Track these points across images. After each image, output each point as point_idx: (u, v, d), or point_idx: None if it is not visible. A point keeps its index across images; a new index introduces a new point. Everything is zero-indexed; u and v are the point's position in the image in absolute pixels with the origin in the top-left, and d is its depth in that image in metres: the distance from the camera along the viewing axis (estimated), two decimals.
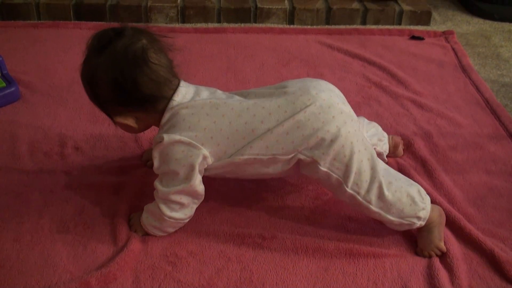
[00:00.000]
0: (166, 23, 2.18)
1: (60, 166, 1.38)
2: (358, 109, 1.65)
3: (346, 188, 1.11)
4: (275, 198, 1.28)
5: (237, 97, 1.15)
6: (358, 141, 1.11)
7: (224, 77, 1.79)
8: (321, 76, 1.83)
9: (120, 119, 1.12)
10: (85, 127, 1.53)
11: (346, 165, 1.10)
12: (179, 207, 1.13)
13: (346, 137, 1.09)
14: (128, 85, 1.06)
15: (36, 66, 1.82)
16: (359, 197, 1.12)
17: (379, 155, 1.33)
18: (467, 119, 1.63)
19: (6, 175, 1.34)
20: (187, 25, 2.17)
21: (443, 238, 1.15)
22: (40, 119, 1.55)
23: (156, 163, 1.11)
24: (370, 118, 1.59)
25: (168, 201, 1.12)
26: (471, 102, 1.72)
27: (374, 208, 1.13)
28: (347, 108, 1.15)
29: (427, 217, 1.14)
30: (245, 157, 1.11)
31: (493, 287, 1.10)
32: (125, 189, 1.31)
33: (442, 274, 1.10)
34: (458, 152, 1.47)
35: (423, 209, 1.13)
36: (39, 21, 2.15)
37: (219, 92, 1.18)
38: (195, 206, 1.16)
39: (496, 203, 1.31)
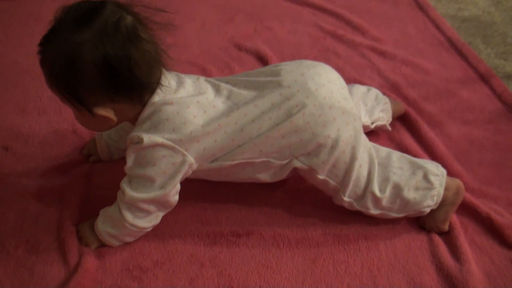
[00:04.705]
0: None
1: None
2: None
3: (343, 197, 1.01)
4: (244, 186, 1.12)
5: (225, 91, 0.99)
6: (359, 144, 1.00)
7: (163, 44, 1.58)
8: (270, 30, 1.66)
9: (101, 111, 0.91)
10: (12, 121, 1.31)
11: (345, 172, 1.00)
12: (144, 215, 0.98)
13: (347, 142, 0.98)
14: (120, 64, 0.87)
15: None
16: (355, 205, 1.03)
17: (383, 126, 1.23)
18: (433, 63, 1.51)
19: None
20: None
21: (449, 219, 1.04)
22: None
23: (129, 162, 0.95)
24: None
25: (133, 208, 0.96)
26: (434, 43, 1.60)
27: (374, 212, 1.03)
28: (349, 104, 1.00)
29: (440, 200, 1.02)
30: (236, 162, 0.98)
31: (495, 256, 1.00)
32: (69, 192, 1.12)
33: (442, 249, 1.00)
34: (431, 102, 1.36)
35: (432, 196, 1.02)
36: None
37: (202, 81, 1.01)
38: (161, 215, 1.01)
39: (481, 157, 1.21)
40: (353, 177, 0.99)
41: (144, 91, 0.93)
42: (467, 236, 1.04)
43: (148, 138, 0.91)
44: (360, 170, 1.00)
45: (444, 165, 1.15)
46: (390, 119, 1.26)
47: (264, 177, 1.02)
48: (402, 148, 1.22)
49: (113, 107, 0.92)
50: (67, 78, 0.89)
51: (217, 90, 0.99)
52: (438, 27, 1.66)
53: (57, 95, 0.93)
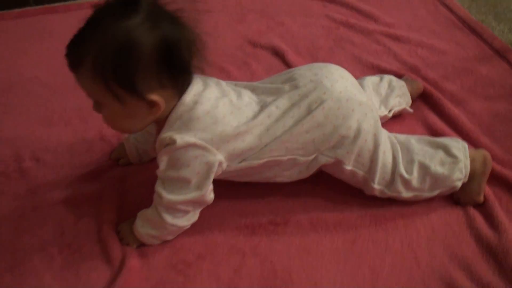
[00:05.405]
0: None
1: (23, 185, 1.19)
2: (332, 56, 1.52)
3: (373, 185, 1.03)
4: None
5: (246, 97, 1.01)
6: (380, 132, 1.02)
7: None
8: (282, 25, 1.67)
9: (153, 96, 0.89)
10: (40, 132, 1.33)
11: (371, 160, 1.02)
12: (183, 215, 0.99)
13: (368, 131, 1.00)
14: (177, 46, 0.87)
15: None
16: (387, 191, 1.04)
17: (403, 110, 1.24)
18: (448, 44, 1.52)
19: None
20: None
21: (483, 190, 1.06)
22: None
23: (162, 166, 0.95)
24: (348, 62, 1.47)
25: (172, 209, 0.97)
26: (447, 24, 1.61)
27: (406, 195, 1.04)
28: (364, 97, 1.03)
29: (468, 172, 1.04)
30: (264, 160, 1.00)
31: None
32: (104, 197, 1.14)
33: (479, 221, 1.01)
34: (451, 81, 1.37)
35: (460, 168, 1.03)
36: None
37: (224, 84, 1.02)
38: (198, 211, 1.02)
39: (507, 130, 1.22)
40: (379, 163, 1.01)
41: (188, 77, 0.94)
42: (502, 206, 1.05)
43: (181, 138, 0.92)
44: (385, 156, 1.02)
45: (471, 140, 1.18)
46: (410, 101, 1.27)
47: (290, 174, 1.04)
48: (427, 126, 1.24)
49: (161, 93, 0.91)
50: (121, 66, 0.86)
51: (239, 94, 1.01)
52: (449, 7, 1.67)
53: (99, 93, 0.89)
